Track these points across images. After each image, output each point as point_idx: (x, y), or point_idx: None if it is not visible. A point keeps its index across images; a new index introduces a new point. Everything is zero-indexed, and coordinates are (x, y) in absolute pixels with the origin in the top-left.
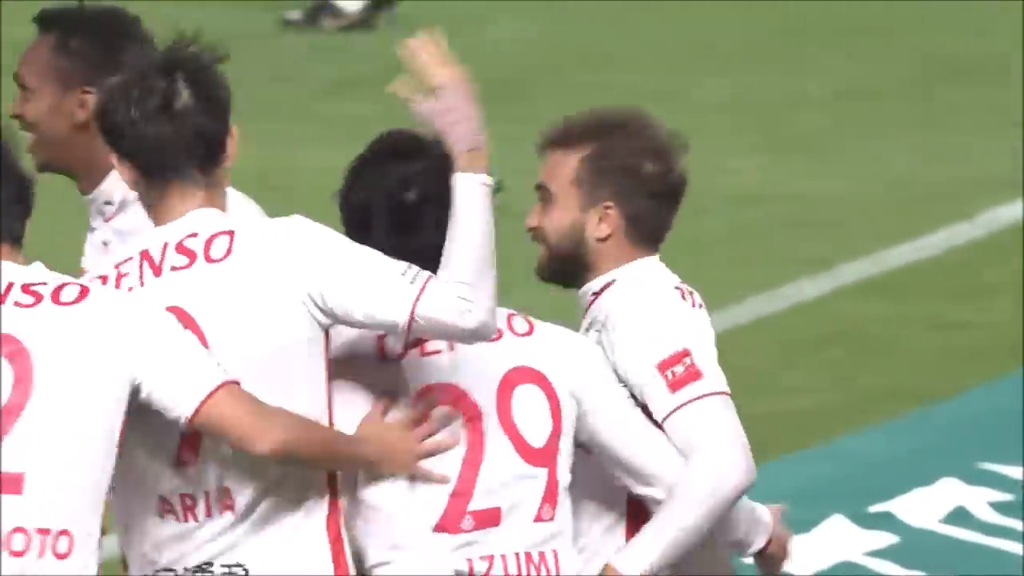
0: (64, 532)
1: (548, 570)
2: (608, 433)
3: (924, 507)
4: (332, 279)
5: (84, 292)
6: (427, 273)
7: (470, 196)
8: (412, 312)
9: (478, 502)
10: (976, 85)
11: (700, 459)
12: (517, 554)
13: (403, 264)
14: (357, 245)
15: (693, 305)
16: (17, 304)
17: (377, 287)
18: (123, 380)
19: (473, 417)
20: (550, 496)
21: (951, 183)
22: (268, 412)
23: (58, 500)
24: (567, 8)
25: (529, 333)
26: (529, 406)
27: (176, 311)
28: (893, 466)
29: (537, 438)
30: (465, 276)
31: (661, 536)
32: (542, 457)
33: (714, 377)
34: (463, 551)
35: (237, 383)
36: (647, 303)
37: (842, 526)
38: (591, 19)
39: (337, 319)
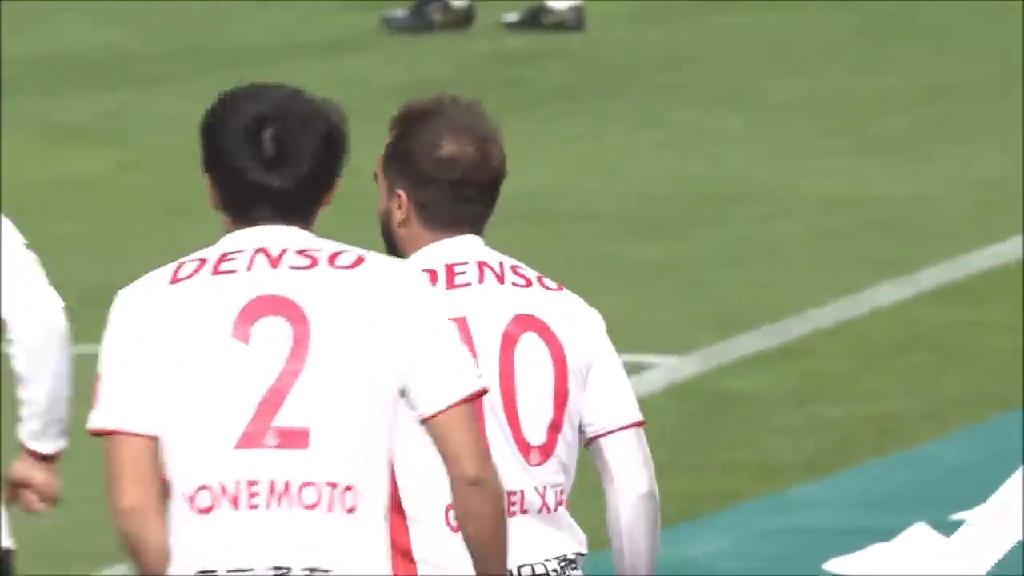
0: (350, 488)
1: None
2: None
3: None
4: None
5: (360, 259)
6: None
7: None
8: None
9: None
10: None
11: None
12: None
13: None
14: None
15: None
16: (293, 267)
17: None
18: (394, 356)
19: None
20: None
21: None
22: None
23: (343, 456)
24: (645, 8)
25: None
26: None
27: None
28: (974, 472)
29: None
30: None
31: None
32: None
33: None
34: None
35: (486, 391)
36: None
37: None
38: (669, 19)
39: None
